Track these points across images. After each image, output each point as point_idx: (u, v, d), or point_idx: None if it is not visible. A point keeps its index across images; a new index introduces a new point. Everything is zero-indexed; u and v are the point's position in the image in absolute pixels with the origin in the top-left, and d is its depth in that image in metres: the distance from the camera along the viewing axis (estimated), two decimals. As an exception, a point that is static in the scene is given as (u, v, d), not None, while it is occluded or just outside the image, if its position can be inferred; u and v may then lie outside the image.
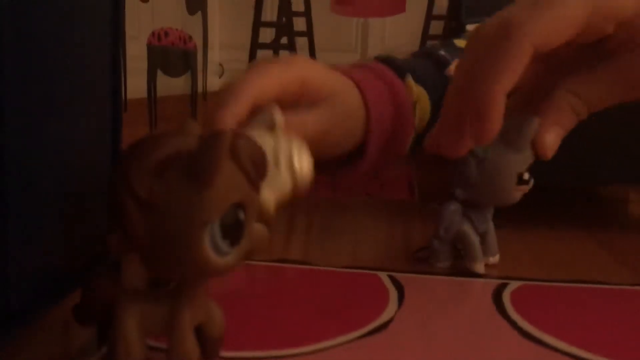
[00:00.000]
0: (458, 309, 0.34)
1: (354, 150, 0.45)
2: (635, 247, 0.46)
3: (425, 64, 0.52)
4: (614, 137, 0.48)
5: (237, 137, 0.22)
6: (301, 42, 2.85)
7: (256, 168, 0.22)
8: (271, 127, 0.33)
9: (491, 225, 0.39)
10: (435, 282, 0.37)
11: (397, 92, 0.47)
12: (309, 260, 0.40)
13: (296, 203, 0.34)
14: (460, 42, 0.56)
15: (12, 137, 0.22)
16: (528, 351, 0.29)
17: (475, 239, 0.39)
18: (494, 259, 0.40)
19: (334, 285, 0.37)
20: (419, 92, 0.49)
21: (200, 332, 0.24)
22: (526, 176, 0.37)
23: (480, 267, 0.38)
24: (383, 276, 0.38)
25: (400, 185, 0.68)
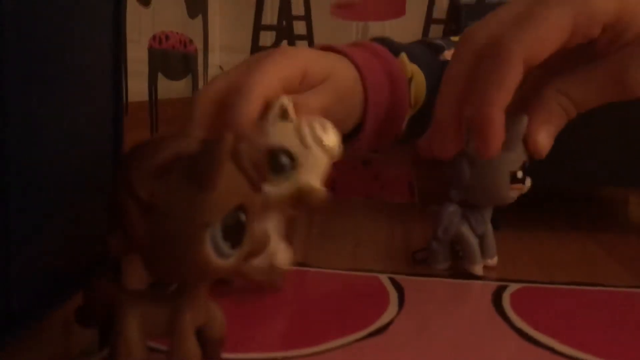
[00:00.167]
0: (458, 311, 0.35)
1: (352, 131, 0.45)
2: (635, 249, 0.46)
3: (420, 48, 0.54)
4: (614, 139, 0.48)
5: (238, 139, 0.22)
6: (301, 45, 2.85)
7: (257, 170, 0.23)
8: (285, 117, 0.34)
9: (489, 227, 0.39)
10: (436, 284, 0.38)
11: (392, 67, 0.48)
12: (309, 262, 0.40)
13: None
14: (456, 38, 0.56)
15: (14, 140, 0.23)
16: (527, 353, 0.29)
17: (473, 241, 0.39)
18: (492, 261, 0.40)
19: (334, 287, 0.37)
20: (413, 69, 0.49)
21: (201, 333, 0.24)
22: (520, 175, 0.37)
23: (478, 269, 0.38)
24: (383, 278, 0.38)
25: (401, 186, 0.68)
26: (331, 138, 0.34)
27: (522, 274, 0.39)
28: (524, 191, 0.38)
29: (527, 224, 0.51)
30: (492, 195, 0.38)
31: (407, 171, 0.67)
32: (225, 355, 0.26)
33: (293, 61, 0.38)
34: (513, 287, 0.37)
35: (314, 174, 0.33)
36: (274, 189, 0.33)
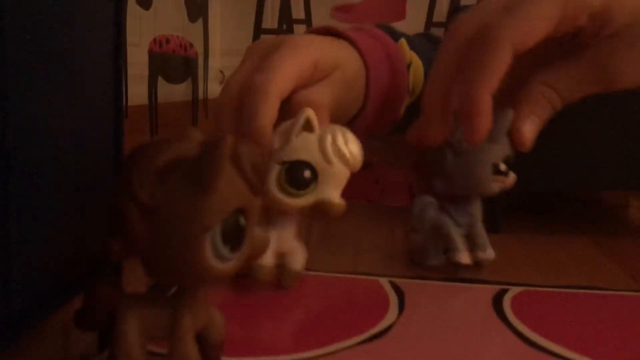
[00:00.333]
0: (458, 315, 0.34)
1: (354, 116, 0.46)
2: (636, 252, 0.46)
3: (421, 39, 0.54)
4: (614, 143, 0.48)
5: (238, 142, 0.22)
6: (302, 48, 2.85)
7: (257, 173, 0.23)
8: (309, 128, 0.34)
9: (477, 221, 0.39)
10: (436, 287, 0.37)
11: (391, 50, 0.48)
12: (310, 266, 0.40)
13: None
14: None
15: (15, 143, 0.23)
16: (528, 357, 0.29)
17: (453, 230, 0.38)
18: (485, 254, 0.39)
19: (335, 291, 0.37)
20: (412, 56, 0.50)
21: (201, 337, 0.24)
22: (502, 167, 0.37)
23: (464, 257, 0.38)
24: (384, 282, 0.38)
25: (401, 190, 0.68)
26: (353, 150, 0.34)
27: (523, 278, 0.39)
28: (506, 185, 0.38)
29: (528, 227, 0.51)
30: (472, 184, 0.38)
31: (407, 175, 0.67)
32: (224, 358, 0.26)
33: (305, 54, 0.39)
34: (514, 290, 0.37)
35: (333, 187, 0.34)
36: (295, 201, 0.34)
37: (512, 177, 0.38)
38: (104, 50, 0.29)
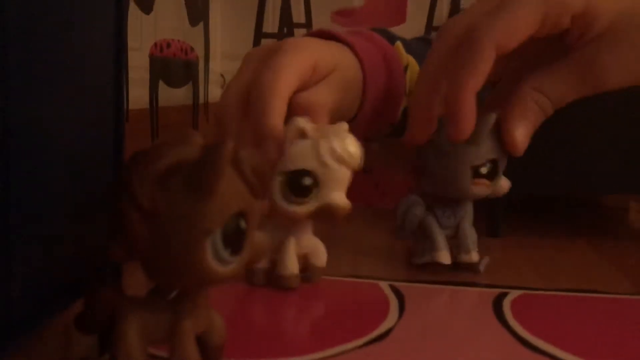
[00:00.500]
0: (458, 318, 0.35)
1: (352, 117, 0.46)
2: (636, 256, 0.46)
3: (418, 43, 0.55)
4: (614, 147, 0.48)
5: (238, 146, 0.22)
6: (302, 52, 2.86)
7: (257, 177, 0.23)
8: (302, 135, 0.35)
9: (465, 222, 0.39)
10: (436, 291, 0.38)
11: (388, 53, 0.48)
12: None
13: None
14: None
15: (16, 146, 0.23)
16: (528, 360, 0.29)
17: (436, 230, 0.39)
18: (467, 257, 0.39)
19: (334, 294, 0.37)
20: (409, 59, 0.51)
21: (201, 340, 0.24)
22: (483, 170, 0.37)
23: (444, 257, 0.38)
24: (384, 285, 0.38)
25: (401, 194, 0.68)
26: (350, 149, 0.34)
27: (523, 281, 0.39)
28: (496, 191, 0.38)
29: (528, 231, 0.51)
30: (451, 185, 0.38)
31: (406, 178, 0.67)
32: (225, 361, 0.26)
33: (305, 56, 0.39)
34: (513, 294, 0.37)
35: (336, 190, 0.35)
36: (300, 208, 0.34)
37: (502, 182, 0.38)
38: (106, 54, 0.30)
